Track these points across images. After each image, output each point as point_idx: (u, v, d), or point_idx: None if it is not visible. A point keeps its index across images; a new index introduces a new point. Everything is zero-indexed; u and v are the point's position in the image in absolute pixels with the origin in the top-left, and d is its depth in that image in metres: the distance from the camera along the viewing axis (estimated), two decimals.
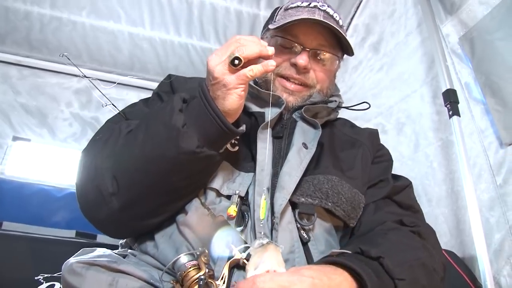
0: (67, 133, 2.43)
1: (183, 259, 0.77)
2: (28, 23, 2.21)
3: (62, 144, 2.42)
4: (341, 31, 1.03)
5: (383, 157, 1.15)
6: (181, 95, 0.86)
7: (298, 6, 1.07)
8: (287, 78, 1.06)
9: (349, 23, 2.35)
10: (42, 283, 1.38)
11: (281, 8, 1.13)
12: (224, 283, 0.76)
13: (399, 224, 0.96)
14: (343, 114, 1.25)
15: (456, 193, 1.50)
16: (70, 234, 1.87)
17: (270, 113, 1.02)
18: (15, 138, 2.34)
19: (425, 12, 1.68)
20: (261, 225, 0.83)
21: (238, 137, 0.94)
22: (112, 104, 1.04)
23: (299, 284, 0.65)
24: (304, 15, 1.02)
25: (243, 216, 0.89)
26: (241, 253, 0.80)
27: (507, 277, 1.23)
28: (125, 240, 1.07)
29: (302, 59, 1.03)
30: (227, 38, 2.35)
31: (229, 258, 0.81)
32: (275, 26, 1.05)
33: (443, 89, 1.46)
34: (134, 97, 2.51)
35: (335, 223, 0.98)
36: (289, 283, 0.65)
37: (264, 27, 1.19)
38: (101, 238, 1.84)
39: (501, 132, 1.35)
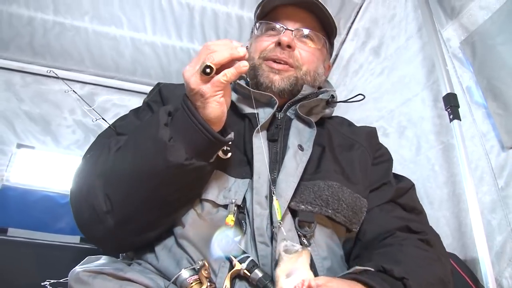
0: (70, 140, 2.45)
1: (185, 274, 0.79)
2: (31, 28, 2.22)
3: (65, 151, 2.44)
4: (320, 5, 1.08)
5: (383, 157, 1.16)
6: (166, 108, 0.86)
7: None
8: (273, 60, 1.08)
9: (350, 28, 2.35)
10: None
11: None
12: None
13: (406, 231, 0.97)
14: (345, 115, 1.27)
15: (458, 196, 1.50)
16: (74, 240, 1.89)
17: (263, 114, 1.04)
18: (19, 146, 2.35)
19: (425, 17, 1.68)
20: (279, 225, 0.82)
21: (230, 143, 0.93)
22: (102, 118, 1.05)
23: None
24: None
25: (241, 225, 0.88)
26: (241, 264, 0.80)
27: (509, 279, 1.23)
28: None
29: (285, 36, 1.06)
30: None
31: (229, 269, 0.82)
32: (258, 14, 1.13)
33: (444, 93, 1.46)
34: (137, 103, 2.47)
35: (337, 228, 0.98)
36: None
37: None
38: None
39: (503, 136, 1.36)
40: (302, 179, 0.94)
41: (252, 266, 0.81)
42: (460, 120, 1.39)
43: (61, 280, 1.40)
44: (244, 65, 0.79)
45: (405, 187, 1.10)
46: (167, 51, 2.43)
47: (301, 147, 0.99)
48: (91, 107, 1.03)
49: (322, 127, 1.14)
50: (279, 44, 1.07)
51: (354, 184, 1.00)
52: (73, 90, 1.16)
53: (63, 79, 1.13)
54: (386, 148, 1.21)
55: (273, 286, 0.78)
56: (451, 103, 1.42)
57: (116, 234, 0.87)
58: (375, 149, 1.16)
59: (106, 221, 0.84)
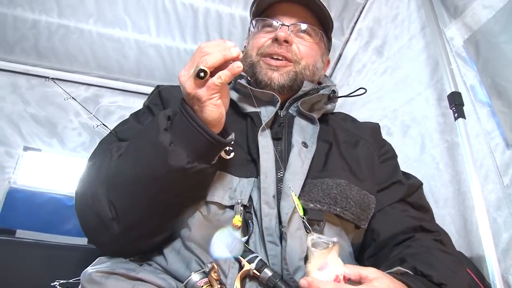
0: (76, 142, 2.47)
1: (195, 277, 0.79)
2: (36, 31, 2.24)
3: (71, 154, 2.45)
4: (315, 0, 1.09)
5: (389, 154, 1.16)
6: (165, 113, 0.86)
7: None
8: (271, 56, 1.08)
9: (353, 27, 2.36)
10: None
11: None
12: None
13: (420, 230, 0.97)
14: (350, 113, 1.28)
15: (463, 194, 1.50)
16: (82, 241, 1.90)
17: (265, 112, 1.04)
18: (26, 148, 2.37)
19: (428, 16, 1.69)
20: (302, 219, 0.82)
21: (232, 143, 0.93)
22: (103, 124, 1.05)
23: None
24: None
25: (247, 225, 0.89)
26: (250, 264, 0.81)
27: None
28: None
29: (282, 32, 1.06)
30: None
31: (239, 270, 0.82)
32: (253, 11, 1.14)
33: (448, 92, 1.47)
34: (141, 104, 2.50)
35: (345, 226, 0.98)
36: None
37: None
38: None
39: (508, 134, 1.36)
40: (308, 176, 0.95)
41: (261, 265, 0.81)
42: (465, 119, 1.39)
43: (70, 281, 1.41)
44: (237, 66, 0.78)
45: (415, 186, 1.10)
46: (171, 52, 2.44)
47: (305, 144, 1.00)
48: (91, 113, 1.02)
49: (325, 123, 1.15)
50: (276, 40, 1.07)
51: (361, 181, 1.00)
52: (73, 97, 1.16)
53: (62, 88, 1.13)
54: (390, 144, 1.21)
55: (283, 284, 0.79)
56: (455, 101, 1.42)
57: (122, 239, 0.87)
58: (380, 145, 1.16)
59: (112, 227, 0.84)
